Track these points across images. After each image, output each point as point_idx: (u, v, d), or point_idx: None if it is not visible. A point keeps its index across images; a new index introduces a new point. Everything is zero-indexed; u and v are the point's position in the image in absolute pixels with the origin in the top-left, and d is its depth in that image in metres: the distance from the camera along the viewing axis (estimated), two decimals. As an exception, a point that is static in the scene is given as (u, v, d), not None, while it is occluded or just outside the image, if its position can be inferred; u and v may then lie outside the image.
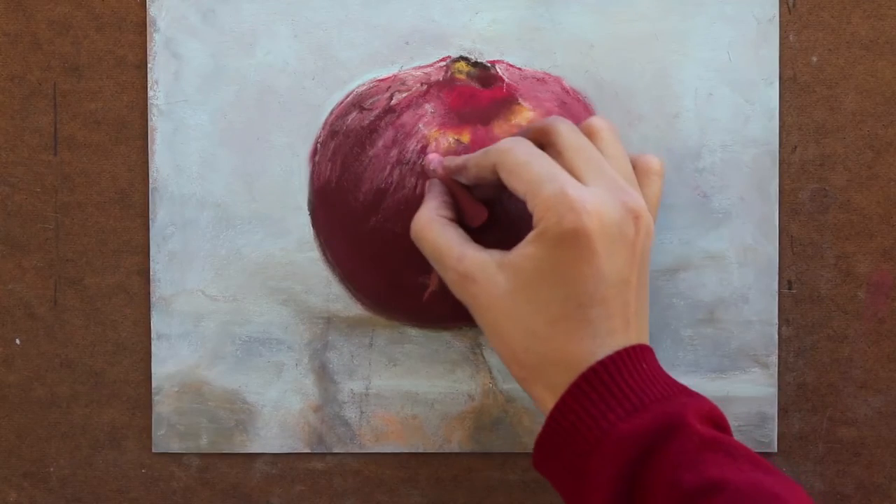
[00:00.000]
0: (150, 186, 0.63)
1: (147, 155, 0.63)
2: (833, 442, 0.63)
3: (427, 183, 0.59)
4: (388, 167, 0.60)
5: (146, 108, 0.63)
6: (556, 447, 0.53)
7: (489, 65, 0.61)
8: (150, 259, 0.63)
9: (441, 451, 0.64)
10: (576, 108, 0.62)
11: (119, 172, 0.63)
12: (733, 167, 0.62)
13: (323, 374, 0.63)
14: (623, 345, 0.53)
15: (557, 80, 0.62)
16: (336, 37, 0.62)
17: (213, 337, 0.63)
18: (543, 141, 0.55)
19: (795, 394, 0.63)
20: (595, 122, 0.56)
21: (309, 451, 0.64)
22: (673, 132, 0.62)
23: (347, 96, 0.62)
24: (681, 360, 0.63)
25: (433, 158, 0.59)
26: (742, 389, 0.63)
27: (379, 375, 0.63)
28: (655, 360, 0.54)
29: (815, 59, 0.62)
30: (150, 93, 0.63)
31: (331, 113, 0.62)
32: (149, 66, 0.62)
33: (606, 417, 0.51)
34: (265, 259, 0.63)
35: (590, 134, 0.56)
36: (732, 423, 0.62)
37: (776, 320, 0.63)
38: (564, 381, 0.53)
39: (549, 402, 0.53)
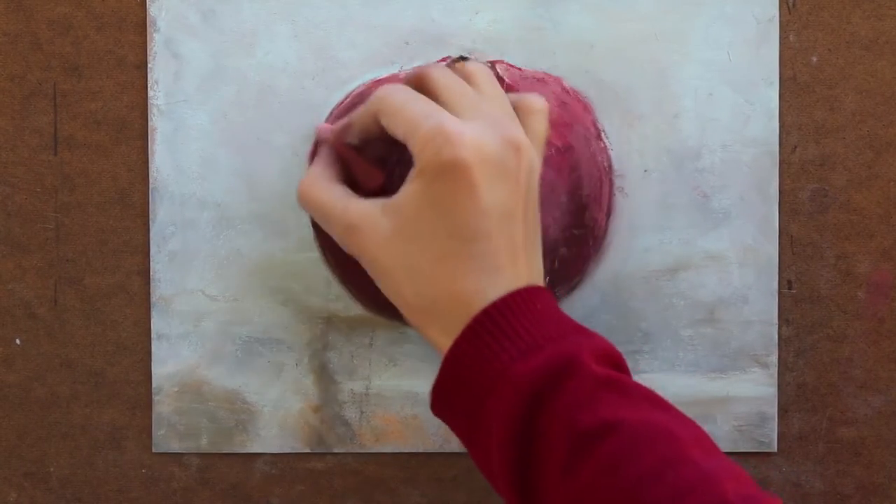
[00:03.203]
0: (150, 186, 0.63)
1: (147, 155, 0.63)
2: (833, 442, 0.63)
3: (317, 151, 0.58)
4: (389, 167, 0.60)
5: (146, 108, 0.63)
6: (453, 392, 0.53)
7: (489, 65, 0.61)
8: (150, 259, 0.63)
9: (441, 451, 0.64)
10: (576, 108, 0.62)
11: (119, 172, 0.63)
12: (733, 167, 0.62)
13: (323, 374, 0.63)
14: (513, 281, 0.52)
15: (557, 81, 0.62)
16: (336, 37, 0.62)
17: (213, 337, 0.63)
18: (421, 87, 0.55)
19: (795, 394, 0.63)
20: (469, 65, 0.57)
21: (309, 451, 0.63)
22: (673, 132, 0.62)
23: (347, 96, 0.62)
24: (681, 360, 0.63)
25: (323, 128, 0.58)
26: (742, 389, 0.63)
27: (379, 375, 0.63)
28: (551, 300, 0.53)
29: (815, 59, 0.62)
30: (150, 93, 0.63)
31: (331, 113, 0.62)
32: (149, 66, 0.62)
33: (500, 359, 0.51)
34: (265, 259, 0.63)
35: (465, 77, 0.56)
36: (732, 423, 0.62)
37: (776, 320, 0.63)
38: (457, 323, 0.52)
39: (446, 347, 0.53)
